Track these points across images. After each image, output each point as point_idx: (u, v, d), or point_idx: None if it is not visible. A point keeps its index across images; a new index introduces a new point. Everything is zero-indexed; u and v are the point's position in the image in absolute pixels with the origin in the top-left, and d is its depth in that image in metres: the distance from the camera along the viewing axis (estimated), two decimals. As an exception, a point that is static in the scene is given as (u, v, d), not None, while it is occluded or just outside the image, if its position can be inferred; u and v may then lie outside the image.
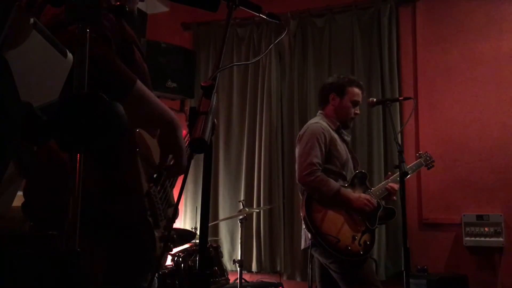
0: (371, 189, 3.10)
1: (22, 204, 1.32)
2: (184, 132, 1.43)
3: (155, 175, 1.42)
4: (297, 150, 3.05)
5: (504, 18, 4.28)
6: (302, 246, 3.06)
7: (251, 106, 4.95)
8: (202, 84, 1.10)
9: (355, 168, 3.16)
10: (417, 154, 3.52)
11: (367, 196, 2.99)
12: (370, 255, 3.00)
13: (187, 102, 5.04)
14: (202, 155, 1.15)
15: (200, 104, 1.06)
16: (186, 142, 1.44)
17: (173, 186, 1.43)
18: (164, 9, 5.30)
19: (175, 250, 3.54)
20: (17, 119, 0.81)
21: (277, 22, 1.51)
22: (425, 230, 4.31)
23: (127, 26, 1.48)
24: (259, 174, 4.74)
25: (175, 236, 1.66)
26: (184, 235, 3.74)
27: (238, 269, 3.72)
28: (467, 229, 4.08)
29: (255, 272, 4.66)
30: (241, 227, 3.81)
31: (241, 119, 4.99)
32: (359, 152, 4.35)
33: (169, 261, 3.54)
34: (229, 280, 3.78)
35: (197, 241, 3.62)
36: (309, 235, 2.89)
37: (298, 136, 3.12)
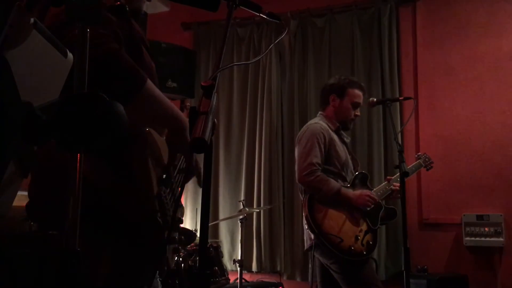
0: (372, 189, 3.10)
1: (26, 204, 1.32)
2: None
3: (164, 176, 1.40)
4: (296, 150, 3.05)
5: (505, 17, 4.28)
6: (305, 247, 3.06)
7: (251, 106, 4.95)
8: (202, 84, 1.10)
9: (355, 169, 3.15)
10: (416, 156, 3.52)
11: (368, 192, 2.98)
12: (371, 255, 3.00)
13: (187, 102, 5.04)
14: (202, 155, 1.15)
15: (200, 104, 1.06)
16: None
17: (183, 188, 1.43)
18: (164, 8, 5.30)
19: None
20: (17, 119, 0.81)
21: (277, 22, 1.51)
22: (425, 230, 4.31)
23: (136, 24, 1.47)
24: (259, 174, 4.74)
25: (182, 237, 1.65)
26: (187, 235, 3.74)
27: (238, 269, 3.72)
28: (467, 229, 4.08)
29: (255, 272, 4.66)
30: (241, 227, 3.80)
31: (241, 119, 4.99)
32: (359, 152, 4.35)
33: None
34: (229, 280, 3.78)
35: (197, 241, 3.62)
36: (311, 236, 2.89)
37: (297, 136, 3.11)
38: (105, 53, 1.20)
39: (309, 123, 3.15)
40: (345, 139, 3.16)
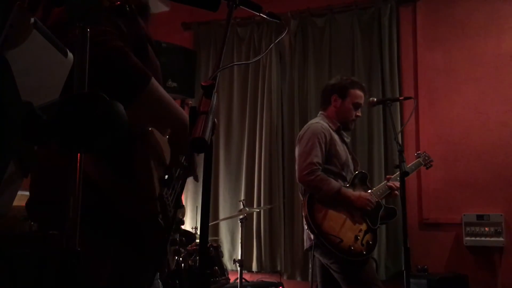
0: (371, 189, 3.10)
1: (26, 204, 1.32)
2: None
3: (166, 176, 1.38)
4: (297, 150, 3.05)
5: (505, 17, 4.28)
6: (305, 247, 3.06)
7: (252, 106, 4.95)
8: (203, 84, 1.10)
9: (355, 169, 3.15)
10: (416, 154, 3.53)
11: (367, 195, 2.99)
12: (371, 255, 3.00)
13: (189, 101, 5.04)
14: (202, 155, 1.15)
15: (200, 103, 1.06)
16: None
17: (183, 188, 1.41)
18: (164, 8, 5.30)
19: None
20: (18, 119, 0.81)
21: (278, 21, 1.51)
22: (426, 230, 4.31)
23: (141, 22, 1.45)
24: (260, 174, 4.75)
25: (184, 239, 1.64)
26: (187, 237, 3.75)
27: (239, 268, 3.72)
28: (468, 229, 4.08)
29: (255, 271, 4.67)
30: (241, 226, 3.80)
31: (242, 119, 4.99)
32: (359, 152, 4.35)
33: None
34: (230, 279, 3.79)
35: (198, 240, 3.62)
36: (311, 236, 2.89)
37: (298, 136, 3.11)
38: (110, 51, 1.19)
39: (310, 122, 3.15)
40: (345, 138, 3.16)
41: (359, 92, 3.12)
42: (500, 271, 4.03)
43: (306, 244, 3.01)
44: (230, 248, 4.80)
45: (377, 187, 3.13)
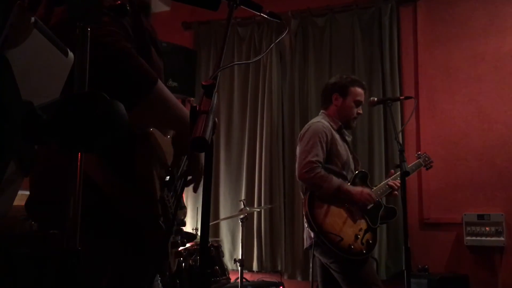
0: (372, 188, 3.10)
1: (26, 203, 1.31)
2: None
3: (167, 178, 1.37)
4: (298, 149, 3.05)
5: (506, 17, 4.28)
6: (305, 246, 3.06)
7: (252, 105, 4.95)
8: (203, 83, 1.10)
9: (355, 169, 3.16)
10: (416, 155, 3.53)
11: (369, 191, 2.99)
12: (371, 254, 3.00)
13: (187, 106, 5.03)
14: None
15: (201, 103, 1.06)
16: None
17: (183, 189, 1.40)
18: (165, 8, 5.30)
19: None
20: (18, 118, 0.81)
21: (278, 21, 1.50)
22: (426, 230, 4.30)
23: (145, 21, 1.44)
24: (260, 173, 4.75)
25: (185, 240, 1.63)
26: (188, 238, 3.75)
27: (239, 268, 3.72)
28: (468, 228, 4.08)
29: (256, 271, 4.67)
30: (242, 226, 3.81)
31: (242, 118, 4.99)
32: (360, 152, 4.35)
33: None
34: (230, 279, 3.79)
35: (198, 240, 3.62)
36: (311, 234, 2.89)
37: (299, 135, 3.11)
38: (117, 52, 1.18)
39: (311, 121, 3.15)
40: (346, 137, 3.16)
41: (359, 90, 3.12)
42: (500, 271, 4.02)
43: (306, 243, 3.01)
44: (231, 247, 4.80)
45: (378, 186, 3.13)
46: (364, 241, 2.90)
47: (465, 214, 4.12)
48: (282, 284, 4.20)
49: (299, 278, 4.52)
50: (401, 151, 2.75)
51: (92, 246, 1.09)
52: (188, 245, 3.65)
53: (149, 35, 1.43)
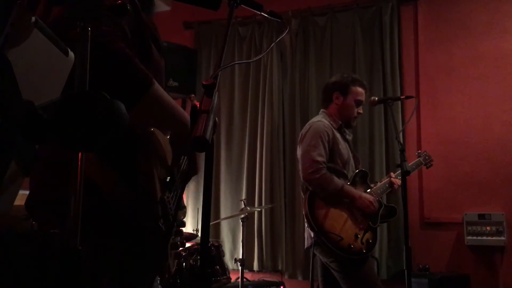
0: (372, 187, 3.10)
1: (26, 203, 1.31)
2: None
3: (168, 178, 1.36)
4: (299, 149, 3.04)
5: (507, 16, 4.27)
6: (306, 245, 3.06)
7: (253, 105, 4.95)
8: (204, 83, 1.10)
9: (356, 167, 3.16)
10: (416, 153, 3.53)
11: (371, 198, 2.98)
12: (371, 254, 3.00)
13: (188, 104, 5.04)
14: (203, 155, 1.15)
15: (201, 102, 1.06)
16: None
17: (183, 189, 1.40)
18: (165, 8, 5.30)
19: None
20: (19, 118, 0.81)
21: (279, 20, 1.50)
22: (427, 229, 4.30)
23: (146, 18, 1.42)
24: (261, 173, 4.74)
25: (184, 241, 1.63)
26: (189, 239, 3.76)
27: (240, 268, 3.72)
28: (469, 228, 4.08)
29: (257, 271, 4.67)
30: (242, 226, 3.81)
31: (243, 118, 4.99)
32: (360, 151, 4.35)
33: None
34: (231, 279, 3.78)
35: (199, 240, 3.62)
36: (311, 234, 2.89)
37: (300, 134, 3.11)
38: (111, 54, 1.18)
39: (311, 121, 3.15)
40: (347, 136, 3.16)
41: (360, 89, 3.12)
42: (501, 271, 4.02)
43: (307, 243, 3.01)
44: (231, 247, 4.80)
45: (378, 185, 3.13)
46: (364, 240, 2.90)
47: (466, 214, 4.12)
48: (283, 284, 4.20)
49: (299, 278, 4.52)
50: (402, 151, 2.76)
51: (92, 246, 1.09)
52: (188, 244, 3.65)
53: (150, 33, 1.42)
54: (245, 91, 5.01)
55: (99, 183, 1.21)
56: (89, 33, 0.91)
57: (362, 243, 2.89)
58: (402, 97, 3.51)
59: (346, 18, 4.77)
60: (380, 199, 3.08)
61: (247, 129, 4.92)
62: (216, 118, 1.10)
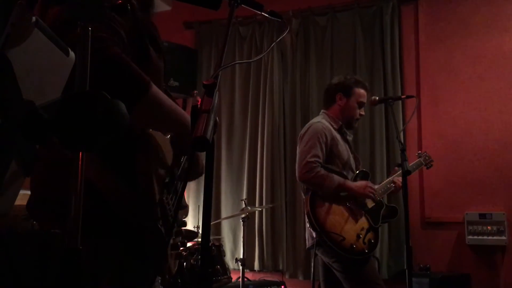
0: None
1: (27, 203, 1.31)
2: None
3: (167, 179, 1.35)
4: (298, 149, 3.05)
5: (507, 16, 4.27)
6: (307, 245, 3.06)
7: (253, 105, 4.95)
8: (204, 83, 1.09)
9: (356, 168, 3.16)
10: (417, 154, 3.53)
11: (369, 183, 2.99)
12: (373, 253, 3.00)
13: (189, 101, 5.04)
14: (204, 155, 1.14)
15: (202, 102, 1.06)
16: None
17: (184, 189, 1.40)
18: (166, 7, 5.30)
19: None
20: (19, 118, 0.81)
21: (279, 20, 1.50)
22: (428, 229, 4.30)
23: (145, 19, 1.40)
24: (261, 173, 4.75)
25: (185, 241, 1.62)
26: (189, 237, 3.75)
27: (241, 267, 3.72)
28: (470, 227, 4.08)
29: (258, 270, 4.67)
30: (243, 225, 3.81)
31: (243, 118, 4.99)
32: (361, 151, 4.35)
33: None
34: (232, 278, 3.78)
35: (200, 239, 3.62)
36: (313, 234, 2.89)
37: (299, 134, 3.12)
38: (106, 59, 1.16)
39: (311, 121, 3.15)
40: (348, 137, 3.16)
41: (363, 91, 3.13)
42: (502, 270, 4.02)
43: (308, 243, 3.01)
44: (232, 247, 4.80)
45: (379, 185, 3.13)
46: (366, 240, 2.91)
47: (466, 213, 4.11)
48: (284, 283, 4.20)
49: (300, 277, 4.52)
50: (403, 150, 2.75)
51: (92, 246, 1.09)
52: (189, 244, 3.65)
53: (149, 33, 1.41)
54: (246, 91, 5.01)
55: (99, 183, 1.21)
56: (90, 33, 0.91)
57: (364, 243, 2.89)
58: (402, 96, 3.51)
59: (346, 18, 4.77)
60: (381, 199, 3.08)
61: (248, 128, 4.92)
62: (217, 118, 1.10)
